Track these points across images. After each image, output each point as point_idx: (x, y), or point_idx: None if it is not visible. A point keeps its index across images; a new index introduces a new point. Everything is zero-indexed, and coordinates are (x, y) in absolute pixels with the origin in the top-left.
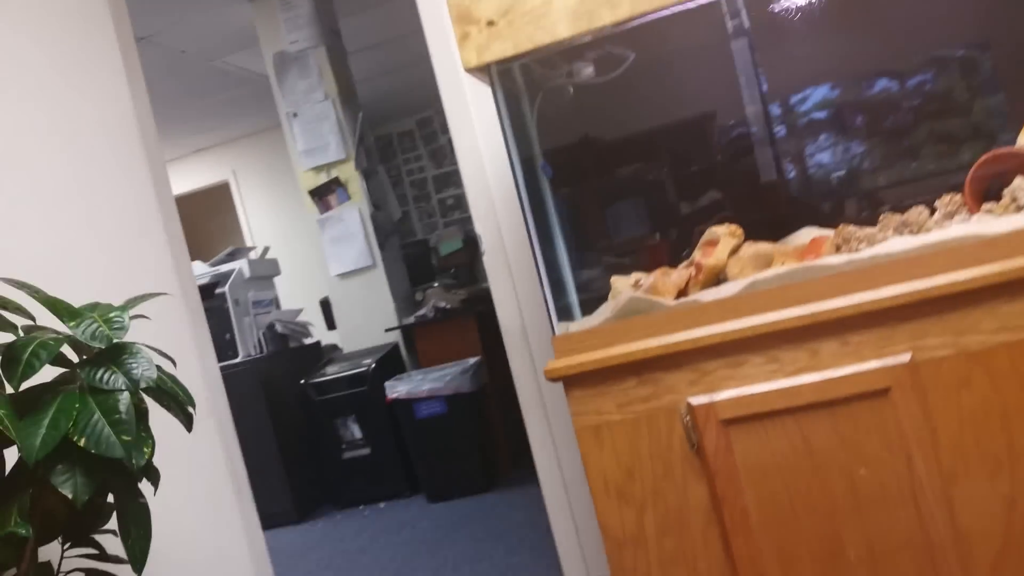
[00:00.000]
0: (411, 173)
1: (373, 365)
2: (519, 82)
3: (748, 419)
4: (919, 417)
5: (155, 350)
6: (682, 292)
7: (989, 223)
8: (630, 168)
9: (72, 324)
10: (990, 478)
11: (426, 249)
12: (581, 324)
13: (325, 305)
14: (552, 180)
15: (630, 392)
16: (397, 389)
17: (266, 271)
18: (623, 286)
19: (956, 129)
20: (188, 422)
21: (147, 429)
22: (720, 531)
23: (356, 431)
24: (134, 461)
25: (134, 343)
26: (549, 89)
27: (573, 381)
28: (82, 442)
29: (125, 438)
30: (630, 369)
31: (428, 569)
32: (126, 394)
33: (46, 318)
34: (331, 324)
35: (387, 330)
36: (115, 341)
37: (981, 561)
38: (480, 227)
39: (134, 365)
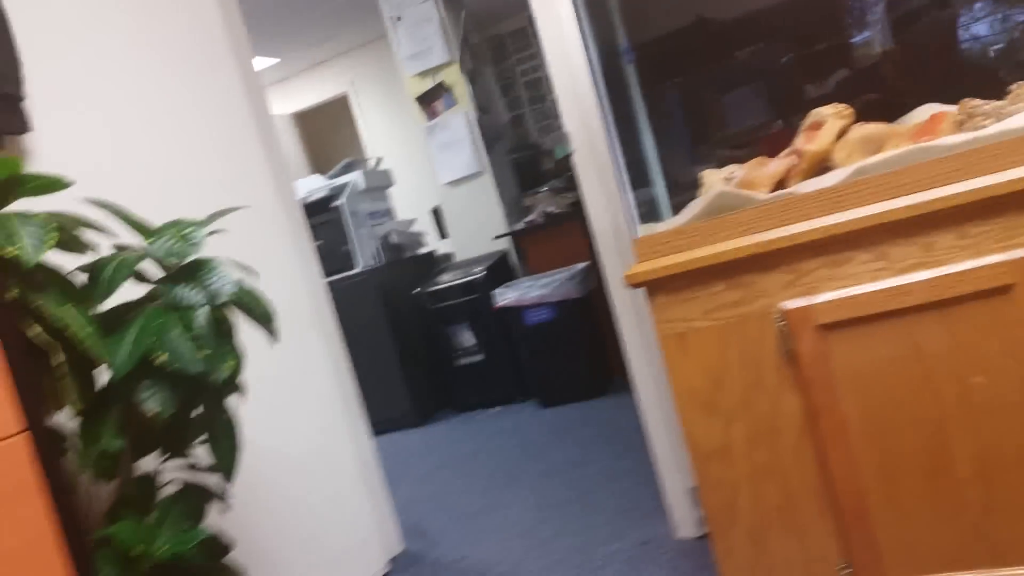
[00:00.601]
0: (525, 74)
1: (483, 273)
2: None
3: (850, 323)
4: None
5: (237, 264)
6: (781, 183)
7: None
8: (740, 51)
9: (150, 240)
10: None
11: (536, 153)
12: (668, 224)
13: (436, 214)
14: (641, 68)
15: (718, 297)
16: (506, 296)
17: (380, 182)
18: (714, 180)
19: None
20: (272, 333)
21: (231, 343)
22: (815, 444)
23: (469, 338)
24: (214, 377)
25: (213, 258)
26: None
27: (656, 286)
28: (164, 358)
29: (204, 353)
30: (718, 272)
31: (537, 471)
32: (204, 309)
33: (129, 238)
34: (443, 233)
35: (496, 237)
36: (193, 256)
37: None
38: (568, 123)
39: (212, 280)
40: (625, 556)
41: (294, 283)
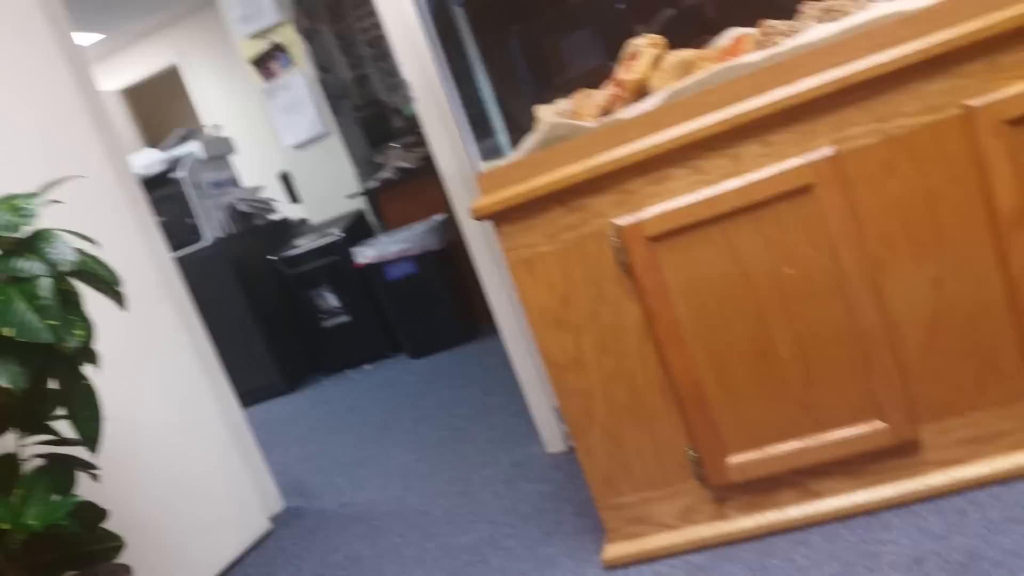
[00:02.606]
0: (366, 31)
1: (341, 233)
2: None
3: (674, 233)
4: (844, 210)
5: (74, 233)
6: (607, 111)
7: None
8: None
9: None
10: (917, 262)
11: (383, 110)
12: (507, 158)
13: (285, 178)
14: (478, 14)
15: (558, 221)
16: (366, 254)
17: (221, 150)
18: (547, 114)
19: None
20: (118, 300)
21: (78, 312)
22: (655, 345)
23: (333, 299)
24: (66, 344)
25: (50, 229)
26: None
27: (501, 217)
28: (9, 332)
29: (52, 323)
30: (556, 198)
31: (411, 418)
32: (47, 279)
33: None
34: (294, 197)
35: (349, 196)
36: (27, 229)
37: (911, 343)
38: (407, 72)
39: (51, 250)
40: (501, 477)
41: (139, 258)
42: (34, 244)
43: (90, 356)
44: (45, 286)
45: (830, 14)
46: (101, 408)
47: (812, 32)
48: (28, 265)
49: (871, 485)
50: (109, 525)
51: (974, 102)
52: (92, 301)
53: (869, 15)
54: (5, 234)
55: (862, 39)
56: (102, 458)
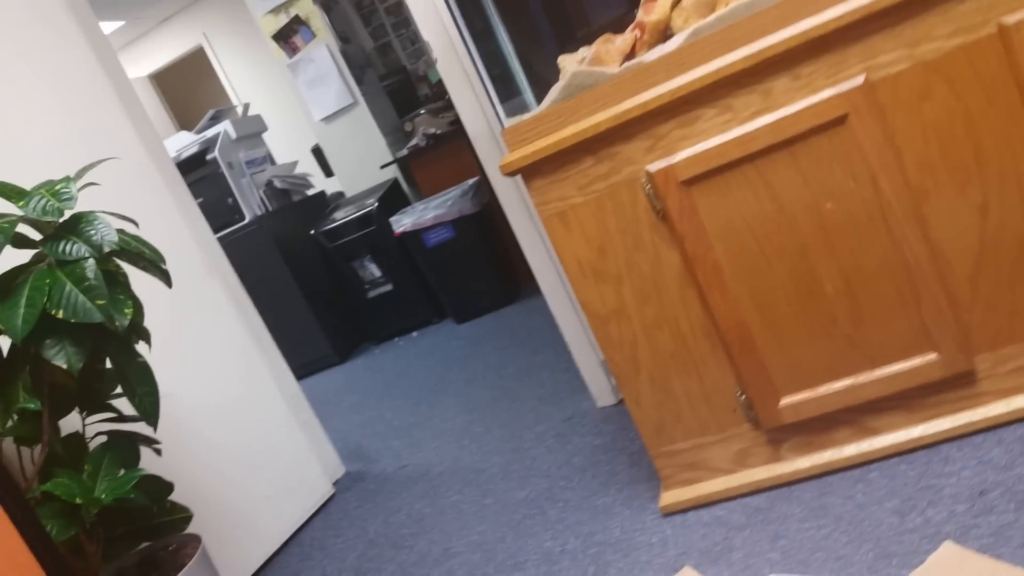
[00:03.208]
0: (384, 0)
1: (376, 204)
2: None
3: (708, 175)
4: (880, 139)
5: (114, 214)
6: (630, 56)
7: None
8: None
9: (21, 204)
10: (960, 188)
11: (407, 78)
12: (532, 112)
13: (318, 152)
14: None
15: (588, 172)
16: (403, 223)
17: (253, 128)
18: (569, 63)
19: None
20: (165, 278)
21: (126, 292)
22: (696, 290)
23: (375, 270)
24: (117, 323)
25: (91, 211)
26: None
27: (530, 172)
28: (60, 314)
29: (100, 302)
30: (584, 148)
31: (460, 381)
32: (92, 260)
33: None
34: (328, 171)
35: (382, 166)
36: (69, 213)
37: (959, 273)
38: (427, 33)
39: (92, 232)
40: (553, 433)
41: (183, 239)
42: (76, 227)
43: (142, 334)
44: (91, 267)
45: None
46: (156, 384)
47: None
48: (72, 247)
49: (928, 419)
50: (176, 498)
51: (1009, 19)
52: (141, 282)
53: None
54: (48, 218)
55: None
56: (165, 434)
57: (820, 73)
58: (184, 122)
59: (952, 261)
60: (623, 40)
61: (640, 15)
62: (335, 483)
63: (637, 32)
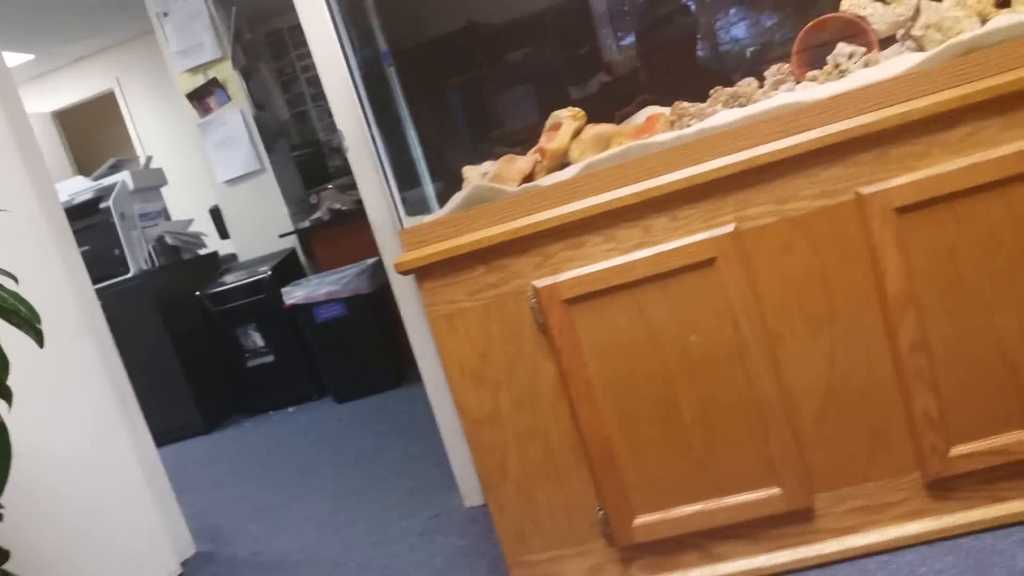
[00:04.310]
0: (307, 70)
1: (270, 272)
2: None
3: (589, 297)
4: (744, 283)
5: None
6: (529, 177)
7: (810, 90)
8: (513, 53)
9: None
10: (812, 336)
11: (320, 150)
12: (432, 216)
13: (216, 213)
14: (414, 68)
15: (480, 279)
16: (295, 294)
17: (152, 181)
18: (473, 175)
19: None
20: (38, 338)
21: None
22: (568, 403)
23: (258, 339)
24: None
25: None
26: None
27: (424, 272)
28: None
29: None
30: (478, 257)
31: (331, 465)
32: None
33: None
34: (224, 233)
35: (281, 236)
36: None
37: (806, 413)
38: (341, 122)
39: None
40: (418, 530)
41: (60, 290)
42: None
43: (3, 393)
44: None
45: (737, 99)
46: (11, 449)
47: (719, 116)
48: None
49: (769, 550)
50: (12, 564)
51: (866, 190)
52: (6, 334)
53: (772, 103)
54: None
55: (764, 125)
56: (8, 492)
57: (696, 217)
58: (82, 164)
59: (800, 402)
60: (524, 162)
61: (542, 141)
62: (184, 563)
63: (538, 156)
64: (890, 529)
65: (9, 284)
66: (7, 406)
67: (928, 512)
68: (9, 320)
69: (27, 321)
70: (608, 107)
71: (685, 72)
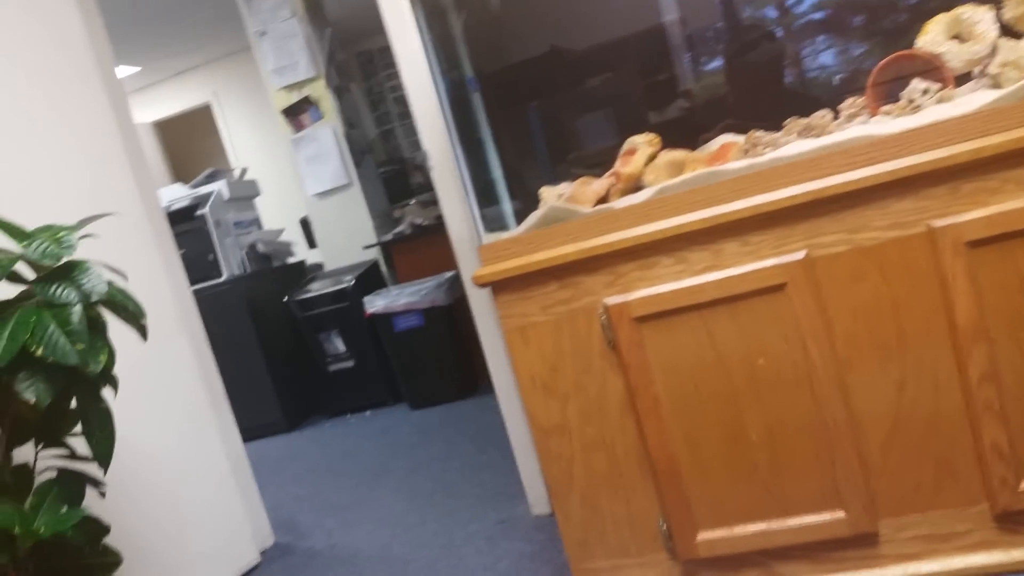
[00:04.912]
0: (395, 90)
1: (353, 281)
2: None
3: (658, 316)
4: (813, 309)
5: (107, 266)
6: (603, 200)
7: (883, 124)
8: (594, 78)
9: (24, 244)
10: (881, 364)
11: (404, 167)
12: (509, 233)
13: (305, 224)
14: (498, 92)
15: (552, 295)
16: (375, 304)
17: (246, 192)
18: (550, 196)
19: (891, 32)
20: (142, 332)
21: (104, 339)
22: (635, 418)
23: (340, 345)
24: (90, 368)
25: (86, 260)
26: (473, 1)
27: (500, 286)
28: (40, 351)
29: (79, 347)
30: (551, 273)
31: (405, 468)
32: (78, 306)
33: (2, 241)
34: (312, 243)
35: (366, 247)
36: (66, 259)
37: (873, 440)
38: (427, 141)
39: (85, 280)
40: (485, 535)
41: (161, 289)
42: (69, 273)
43: (110, 380)
44: (76, 313)
45: (811, 130)
46: (114, 430)
47: (792, 146)
48: (63, 292)
49: (831, 572)
50: (110, 542)
51: (937, 223)
52: (114, 329)
53: (844, 135)
54: (47, 262)
55: (837, 157)
56: (109, 478)
57: (767, 243)
58: (178, 173)
59: (867, 429)
60: (599, 184)
61: (618, 165)
62: (263, 552)
63: (612, 179)
64: (955, 559)
65: (118, 281)
66: (113, 392)
67: (995, 544)
68: (118, 314)
69: (134, 316)
70: (685, 133)
71: (764, 101)
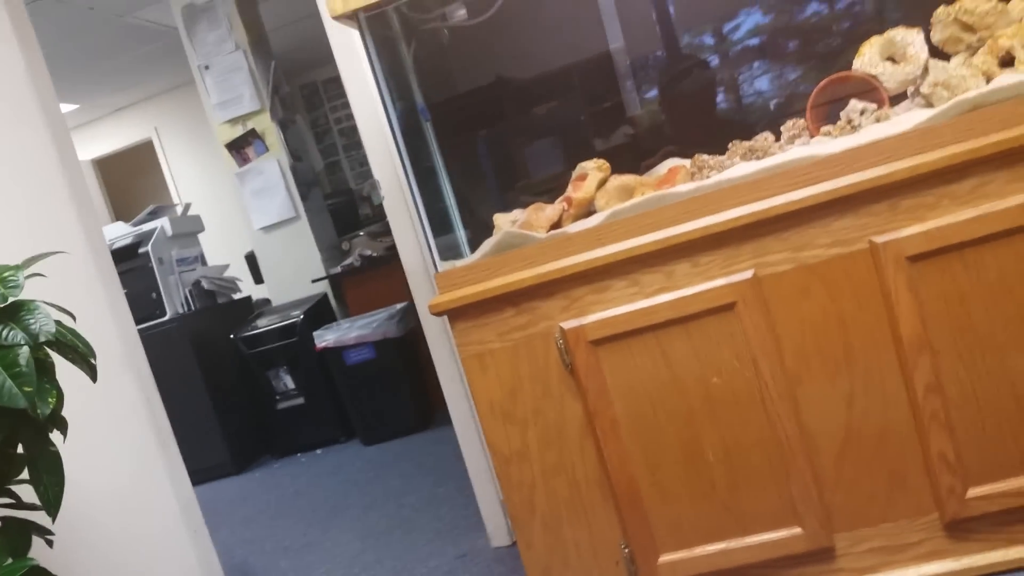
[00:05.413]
0: (339, 121)
1: (302, 316)
2: (396, 28)
3: (613, 338)
4: (763, 327)
5: (54, 306)
6: (556, 225)
7: (824, 144)
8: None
9: None
10: (830, 379)
11: (352, 198)
12: (464, 261)
13: (251, 259)
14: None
15: (509, 321)
16: (326, 338)
17: (189, 228)
18: (503, 222)
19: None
20: (92, 373)
21: (52, 381)
22: (594, 441)
23: (289, 381)
24: (39, 411)
25: (32, 300)
26: (422, 33)
27: (456, 314)
28: None
29: (27, 389)
30: (508, 299)
31: (359, 505)
32: (25, 348)
33: None
34: (258, 278)
35: (314, 281)
36: (11, 299)
37: (825, 454)
38: (378, 172)
39: (32, 321)
40: (444, 570)
41: (107, 328)
42: (16, 314)
43: (60, 424)
44: (24, 354)
45: (754, 152)
46: (63, 475)
47: (737, 168)
48: (8, 334)
49: None
50: None
51: (879, 239)
52: (59, 368)
53: (787, 156)
54: None
55: (779, 178)
56: (57, 523)
57: (716, 263)
58: (119, 211)
59: (820, 443)
60: (552, 210)
61: (569, 190)
62: None
63: (565, 205)
64: (909, 569)
65: (66, 321)
66: (62, 436)
67: (947, 553)
68: (66, 355)
69: (83, 356)
70: (631, 159)
71: (706, 125)
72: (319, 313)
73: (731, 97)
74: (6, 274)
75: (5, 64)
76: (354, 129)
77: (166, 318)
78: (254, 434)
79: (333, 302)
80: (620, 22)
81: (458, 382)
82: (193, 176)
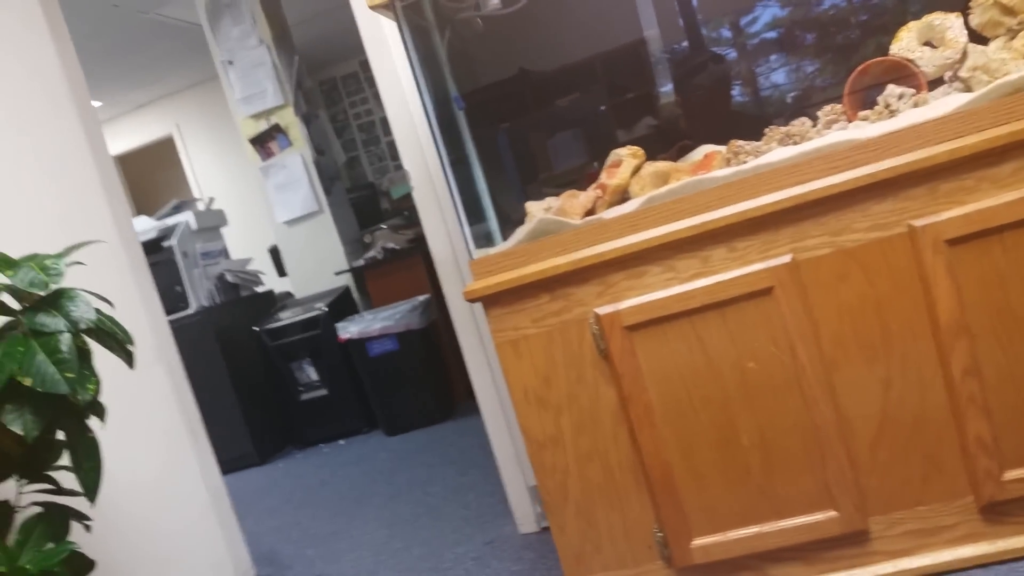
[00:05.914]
0: (359, 116)
1: (325, 308)
2: (431, 18)
3: (649, 324)
4: (800, 312)
5: (93, 294)
6: (590, 211)
7: (862, 129)
8: (563, 98)
9: (10, 273)
10: (867, 363)
11: (373, 192)
12: (499, 248)
13: (274, 253)
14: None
15: (543, 307)
16: (349, 330)
17: (213, 222)
18: (536, 210)
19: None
20: (129, 359)
21: (90, 368)
22: (628, 427)
23: (312, 373)
24: (79, 397)
25: (72, 288)
26: (458, 22)
27: (491, 300)
28: (28, 381)
29: (68, 375)
30: (542, 286)
31: (384, 495)
32: (67, 335)
33: None
34: (282, 271)
35: (337, 273)
36: (53, 287)
37: (861, 438)
38: (407, 163)
39: (73, 308)
40: (473, 556)
41: (138, 318)
42: (57, 301)
43: (98, 410)
44: (66, 341)
45: (791, 138)
46: (102, 461)
47: (774, 153)
48: (51, 321)
49: (824, 572)
50: (94, 572)
51: (917, 222)
52: (97, 359)
53: (824, 141)
54: (34, 290)
55: (818, 161)
56: (91, 510)
57: (753, 248)
58: (140, 206)
59: (856, 428)
60: (586, 197)
61: (603, 177)
62: None
63: (599, 191)
64: (944, 552)
65: (104, 309)
66: (100, 422)
67: (982, 536)
68: (104, 342)
69: (121, 344)
70: (663, 147)
71: (726, 117)
72: (342, 305)
73: (751, 89)
74: (48, 262)
75: (40, 59)
76: (373, 124)
77: (191, 311)
78: (278, 425)
79: (356, 294)
80: (655, 10)
81: (486, 370)
82: (213, 171)
